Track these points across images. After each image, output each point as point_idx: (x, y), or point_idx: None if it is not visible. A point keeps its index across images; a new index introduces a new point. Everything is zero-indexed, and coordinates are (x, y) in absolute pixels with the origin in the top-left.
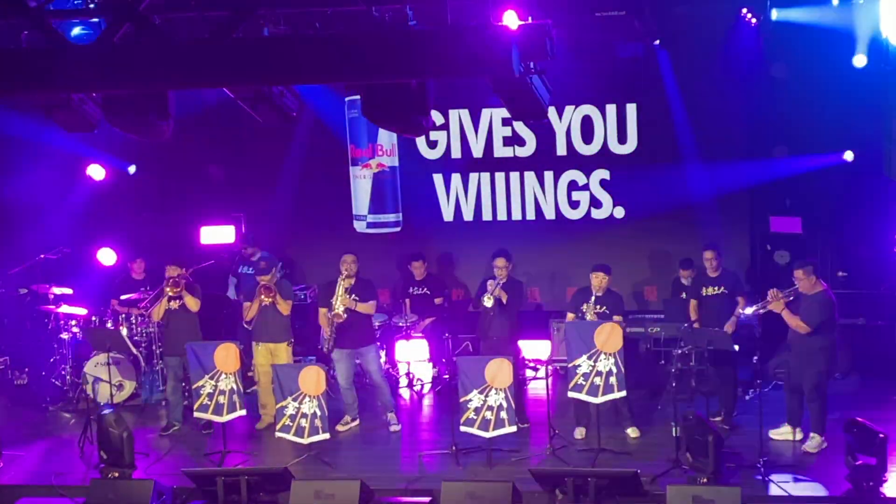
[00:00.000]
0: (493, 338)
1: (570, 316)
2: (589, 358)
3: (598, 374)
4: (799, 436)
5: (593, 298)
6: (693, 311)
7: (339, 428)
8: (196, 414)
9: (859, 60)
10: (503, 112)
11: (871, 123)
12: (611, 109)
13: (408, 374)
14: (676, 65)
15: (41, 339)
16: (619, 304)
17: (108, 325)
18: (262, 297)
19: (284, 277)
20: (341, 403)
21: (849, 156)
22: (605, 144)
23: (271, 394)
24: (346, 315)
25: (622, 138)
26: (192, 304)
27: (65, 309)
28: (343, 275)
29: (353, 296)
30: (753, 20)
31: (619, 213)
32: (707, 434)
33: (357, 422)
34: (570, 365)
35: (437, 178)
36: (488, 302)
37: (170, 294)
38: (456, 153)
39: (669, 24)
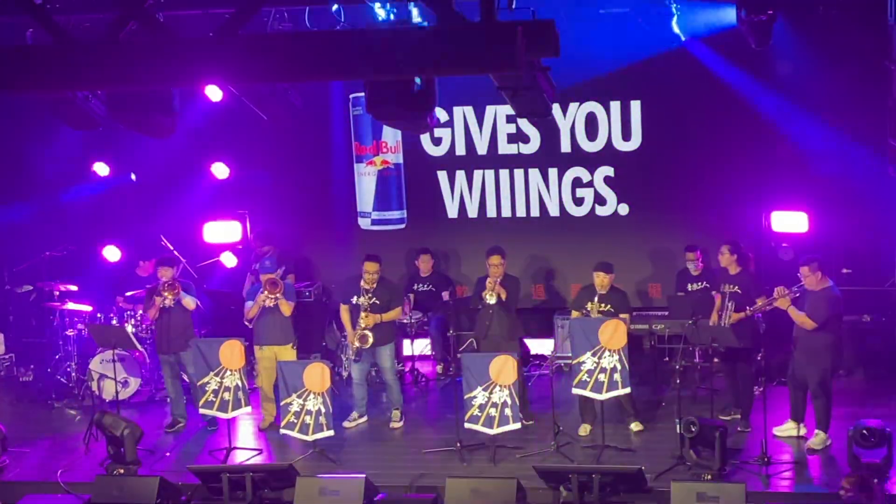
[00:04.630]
0: (494, 336)
1: (574, 314)
2: (593, 355)
3: (603, 370)
4: (803, 432)
5: (597, 297)
6: (718, 303)
7: (346, 424)
8: (201, 411)
9: None
10: (508, 109)
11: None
12: (615, 106)
13: (412, 370)
14: (680, 62)
15: (46, 335)
16: (624, 301)
17: (114, 321)
18: (267, 292)
19: (287, 278)
20: (347, 399)
21: None
22: (609, 141)
23: (273, 393)
24: (372, 338)
25: (626, 135)
26: (190, 303)
27: (70, 306)
28: (364, 288)
29: (375, 314)
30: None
31: (624, 209)
32: (715, 429)
33: (364, 418)
34: (575, 362)
35: (442, 175)
36: (491, 298)
37: (170, 297)
38: (460, 150)
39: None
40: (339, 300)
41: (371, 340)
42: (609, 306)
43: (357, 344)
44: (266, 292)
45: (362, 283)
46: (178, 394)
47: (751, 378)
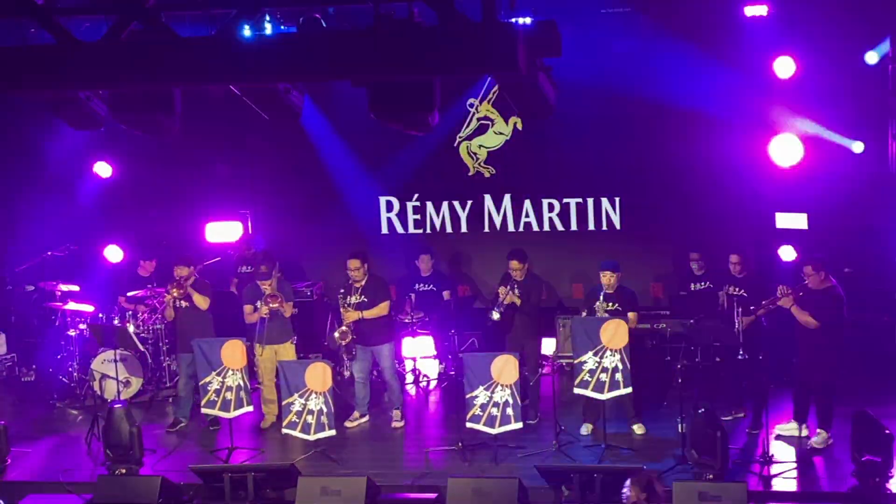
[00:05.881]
0: (514, 336)
1: (584, 314)
2: (595, 354)
3: (605, 370)
4: (805, 432)
5: (602, 296)
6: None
7: (348, 424)
8: (203, 410)
9: (871, 57)
10: None
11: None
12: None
13: (414, 370)
14: (678, 60)
15: (48, 335)
16: (632, 300)
17: (115, 321)
18: (270, 305)
19: (283, 277)
20: (349, 399)
21: (858, 147)
22: None
23: (275, 393)
24: (351, 335)
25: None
26: (201, 302)
27: (72, 306)
28: (354, 286)
29: (360, 311)
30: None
31: (626, 208)
32: (715, 430)
33: (366, 418)
34: (576, 361)
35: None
36: (495, 315)
37: (175, 295)
38: None
39: (674, 19)
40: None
41: (350, 337)
42: (616, 305)
43: (338, 341)
44: (268, 305)
45: (351, 281)
46: (189, 394)
47: (760, 377)
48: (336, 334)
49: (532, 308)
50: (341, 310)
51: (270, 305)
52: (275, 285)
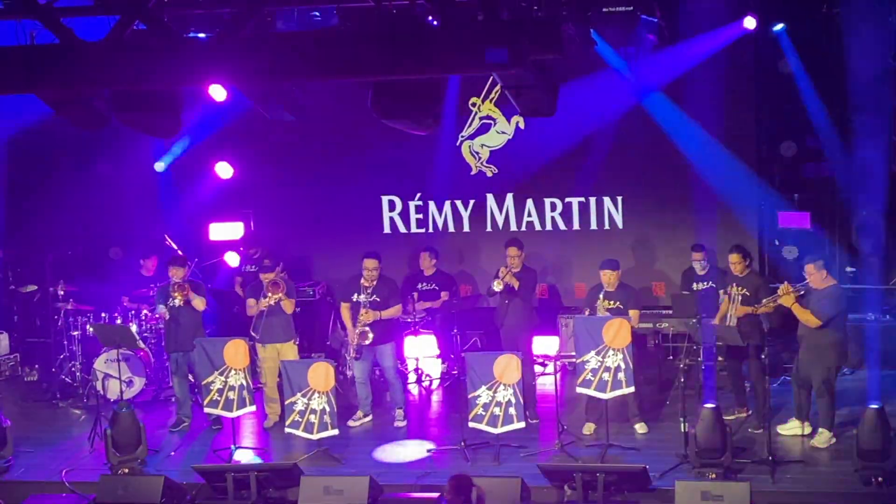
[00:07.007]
0: (508, 325)
1: (587, 312)
2: (597, 353)
3: (607, 369)
4: (807, 431)
5: (602, 294)
6: (725, 307)
7: (351, 423)
8: (206, 410)
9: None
10: None
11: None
12: None
13: (416, 369)
14: (681, 59)
15: (51, 335)
16: (633, 297)
17: (118, 321)
18: (270, 293)
19: (286, 276)
20: (351, 399)
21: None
22: None
23: (277, 392)
24: (372, 334)
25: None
26: (199, 304)
27: (74, 306)
28: (364, 286)
29: (375, 311)
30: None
31: (628, 208)
32: (722, 428)
33: (369, 417)
34: (579, 360)
35: None
36: (497, 286)
37: (179, 298)
38: None
39: (677, 20)
40: (339, 298)
41: (371, 337)
42: (617, 303)
43: (357, 341)
44: (270, 294)
45: (362, 280)
46: (185, 394)
47: (762, 377)
48: (357, 337)
49: (526, 295)
50: (362, 309)
51: (272, 295)
52: (278, 277)
